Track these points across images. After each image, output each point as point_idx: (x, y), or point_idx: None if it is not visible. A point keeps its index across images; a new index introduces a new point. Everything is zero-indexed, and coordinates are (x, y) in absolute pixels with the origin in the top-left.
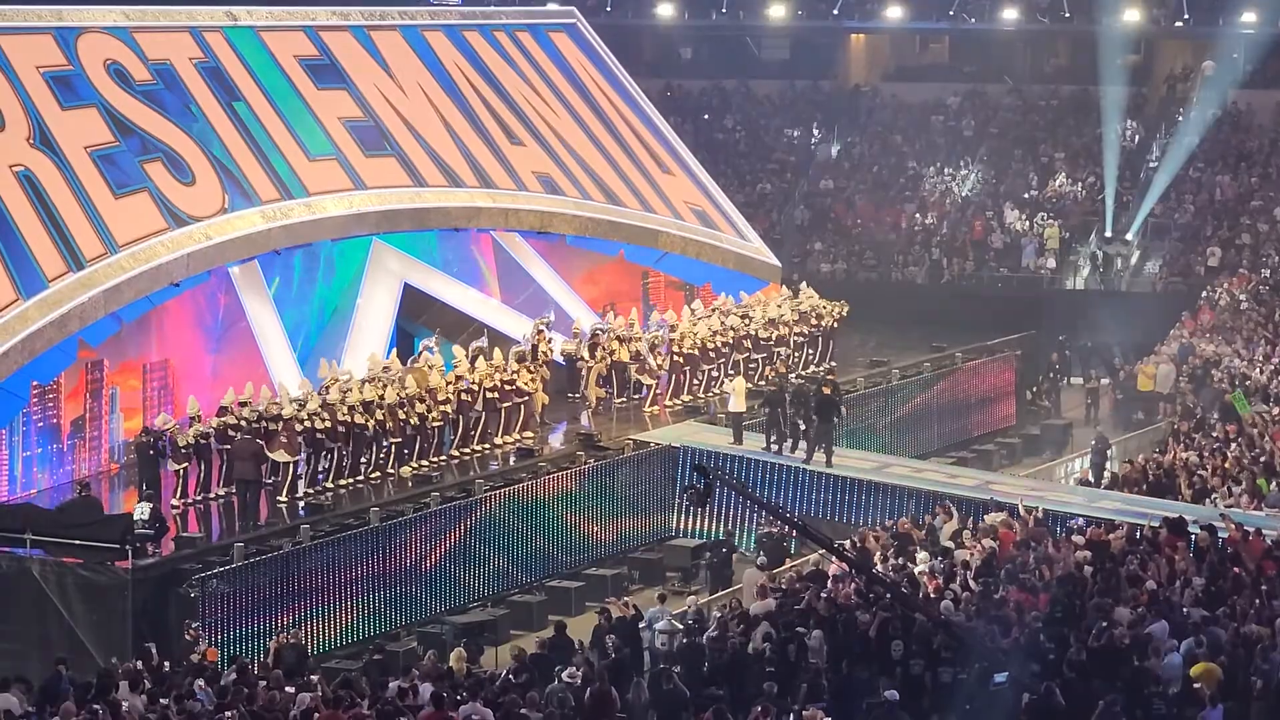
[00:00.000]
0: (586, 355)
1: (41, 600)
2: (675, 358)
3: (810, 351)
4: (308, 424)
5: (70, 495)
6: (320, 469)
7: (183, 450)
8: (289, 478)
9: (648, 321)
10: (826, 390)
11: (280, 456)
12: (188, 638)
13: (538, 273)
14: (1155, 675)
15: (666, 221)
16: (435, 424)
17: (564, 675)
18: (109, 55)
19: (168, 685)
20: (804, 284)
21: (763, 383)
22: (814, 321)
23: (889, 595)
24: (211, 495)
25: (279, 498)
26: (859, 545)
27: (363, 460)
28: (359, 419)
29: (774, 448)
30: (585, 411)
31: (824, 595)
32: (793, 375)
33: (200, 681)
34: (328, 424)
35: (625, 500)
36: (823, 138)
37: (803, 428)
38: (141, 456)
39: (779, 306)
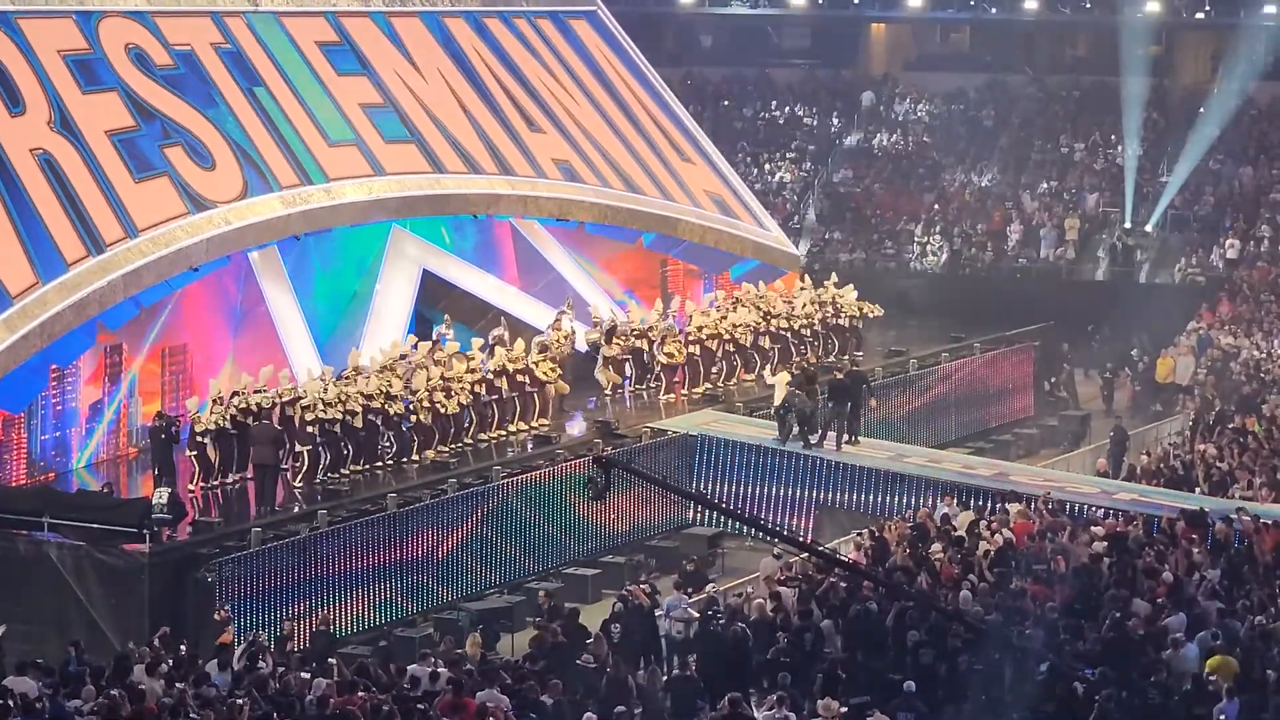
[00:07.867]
0: (604, 342)
1: (59, 584)
2: (691, 347)
3: (830, 342)
4: (325, 411)
5: (90, 486)
6: (339, 455)
7: (198, 436)
8: (307, 463)
9: (668, 309)
10: (842, 376)
11: (299, 442)
12: (217, 619)
13: (556, 260)
14: (1168, 667)
15: (685, 209)
16: (452, 411)
17: (576, 661)
18: (130, 39)
19: (185, 669)
20: (850, 286)
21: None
22: (833, 314)
23: (874, 585)
24: (228, 480)
25: (296, 483)
26: (877, 536)
27: (381, 446)
28: (377, 405)
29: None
30: (604, 394)
31: (842, 584)
32: (809, 364)
33: (214, 665)
34: (346, 410)
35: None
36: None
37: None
38: (155, 441)
39: (799, 297)
